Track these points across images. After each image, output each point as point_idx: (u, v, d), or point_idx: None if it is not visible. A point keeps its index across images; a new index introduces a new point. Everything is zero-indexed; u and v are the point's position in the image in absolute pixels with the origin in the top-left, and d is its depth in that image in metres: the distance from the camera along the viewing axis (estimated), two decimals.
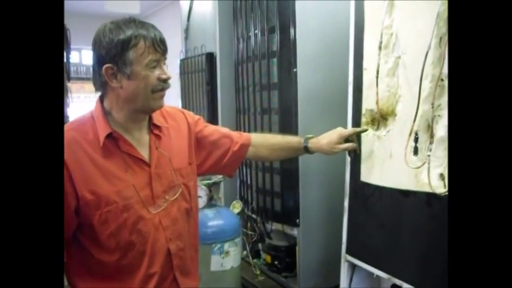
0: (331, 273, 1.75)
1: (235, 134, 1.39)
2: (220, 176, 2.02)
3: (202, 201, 1.97)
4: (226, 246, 1.92)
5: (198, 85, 2.78)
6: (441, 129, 1.13)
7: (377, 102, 1.34)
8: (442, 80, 1.11)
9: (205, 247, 1.85)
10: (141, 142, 1.13)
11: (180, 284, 1.15)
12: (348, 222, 1.53)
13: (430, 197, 1.17)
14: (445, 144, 1.12)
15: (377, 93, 1.33)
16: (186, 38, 3.03)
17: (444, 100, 1.12)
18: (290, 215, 1.97)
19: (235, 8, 2.29)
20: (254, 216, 2.21)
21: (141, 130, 1.14)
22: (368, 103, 1.40)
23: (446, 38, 1.08)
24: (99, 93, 1.13)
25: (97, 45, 1.05)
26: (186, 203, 1.19)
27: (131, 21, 1.05)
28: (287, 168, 1.95)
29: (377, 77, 1.32)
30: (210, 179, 2.02)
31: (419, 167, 1.18)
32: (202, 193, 1.99)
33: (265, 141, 1.43)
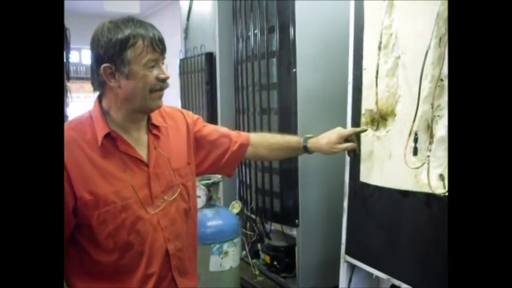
0: (330, 273, 1.74)
1: (234, 134, 1.39)
2: (219, 176, 2.01)
3: (201, 201, 1.97)
4: (225, 246, 1.92)
5: (198, 85, 2.78)
6: (441, 129, 1.13)
7: (376, 103, 1.34)
8: (441, 80, 1.11)
9: (204, 247, 1.85)
10: (139, 142, 1.13)
11: (178, 284, 1.15)
12: (347, 222, 1.52)
13: (430, 197, 1.17)
14: (445, 145, 1.11)
15: (376, 94, 1.33)
16: (186, 37, 3.03)
17: (444, 100, 1.11)
18: (289, 215, 1.96)
19: (235, 8, 2.29)
20: (253, 216, 2.21)
21: (139, 130, 1.14)
22: (367, 103, 1.40)
23: (446, 38, 1.08)
24: (98, 93, 1.12)
25: (95, 45, 1.04)
26: (185, 203, 1.18)
27: (129, 20, 1.04)
28: (286, 169, 1.95)
29: (376, 77, 1.32)
30: (209, 179, 2.02)
31: (418, 168, 1.18)
32: (201, 193, 1.98)
33: (264, 140, 1.43)
